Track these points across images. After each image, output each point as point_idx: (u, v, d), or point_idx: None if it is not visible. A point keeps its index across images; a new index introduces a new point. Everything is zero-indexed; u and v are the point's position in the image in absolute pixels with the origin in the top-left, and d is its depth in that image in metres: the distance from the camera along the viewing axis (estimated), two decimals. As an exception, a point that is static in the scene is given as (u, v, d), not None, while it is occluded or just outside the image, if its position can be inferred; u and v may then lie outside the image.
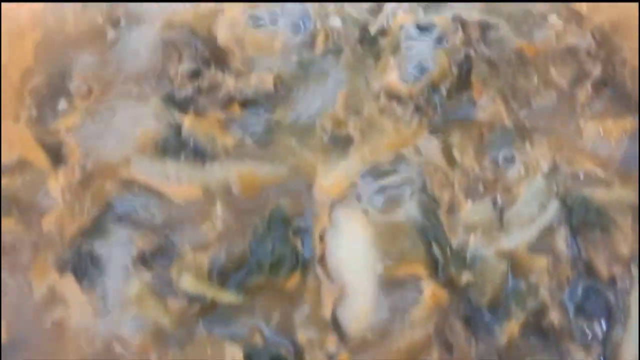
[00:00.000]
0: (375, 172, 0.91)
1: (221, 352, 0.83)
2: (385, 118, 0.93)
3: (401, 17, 0.98)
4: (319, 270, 0.88)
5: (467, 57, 0.97)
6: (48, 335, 0.87)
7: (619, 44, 0.99)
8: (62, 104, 1.02)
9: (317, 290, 0.87)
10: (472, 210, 0.89)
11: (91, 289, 0.88)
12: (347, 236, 0.89)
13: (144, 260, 0.89)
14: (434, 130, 0.94)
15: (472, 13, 1.00)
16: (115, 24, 1.05)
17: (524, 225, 0.88)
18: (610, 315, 0.84)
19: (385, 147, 0.92)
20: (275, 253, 0.88)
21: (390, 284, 0.86)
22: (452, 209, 0.89)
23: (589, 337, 0.82)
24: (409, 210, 0.89)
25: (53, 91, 1.03)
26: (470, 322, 0.84)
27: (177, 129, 0.96)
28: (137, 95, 0.99)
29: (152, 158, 0.95)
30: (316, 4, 1.00)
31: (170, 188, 0.94)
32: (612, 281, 0.85)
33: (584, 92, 0.96)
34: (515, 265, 0.86)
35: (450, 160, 0.92)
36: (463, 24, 0.98)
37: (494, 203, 0.89)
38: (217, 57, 0.98)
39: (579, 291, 0.85)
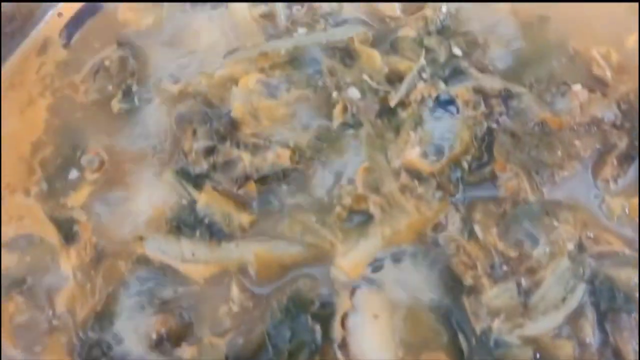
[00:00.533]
0: (397, 253, 0.90)
1: None
2: (407, 196, 0.91)
3: (421, 88, 0.95)
4: (340, 355, 0.86)
5: (489, 130, 0.95)
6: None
7: (645, 114, 0.97)
8: (73, 174, 1.00)
9: (338, 376, 0.87)
10: (496, 294, 0.86)
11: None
12: (369, 322, 0.87)
13: (159, 345, 0.88)
14: (455, 208, 0.91)
15: (494, 82, 0.97)
16: (127, 93, 1.03)
17: (549, 310, 0.85)
18: (640, 408, 0.82)
19: (407, 227, 0.90)
20: (294, 339, 0.86)
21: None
22: (476, 291, 0.87)
23: None
24: (432, 294, 0.87)
25: (64, 162, 1.01)
26: (496, 416, 0.83)
27: (192, 205, 0.94)
28: (150, 170, 0.97)
29: (167, 236, 0.93)
30: (331, 75, 0.98)
31: (185, 267, 0.92)
32: (642, 371, 0.83)
33: (609, 166, 0.93)
34: (541, 352, 0.84)
35: (473, 238, 0.90)
36: (485, 96, 0.96)
37: (519, 286, 0.87)
38: (232, 131, 0.95)
39: (607, 380, 0.84)
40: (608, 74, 1.00)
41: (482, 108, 0.95)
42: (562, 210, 0.92)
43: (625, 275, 0.87)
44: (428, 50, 1.02)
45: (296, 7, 1.07)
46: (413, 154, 0.92)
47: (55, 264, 0.94)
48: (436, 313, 0.87)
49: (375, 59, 1.00)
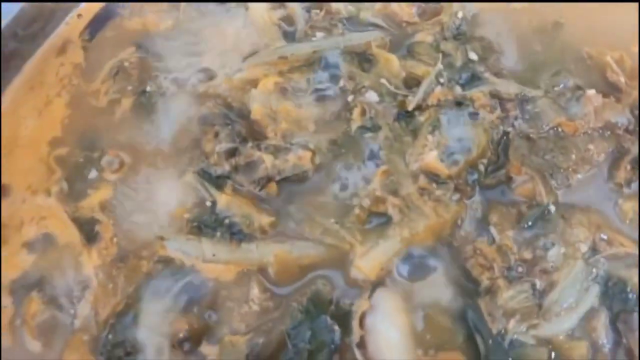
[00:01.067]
0: (415, 255, 0.91)
1: None
2: (424, 199, 0.93)
3: (438, 93, 0.97)
4: (358, 355, 0.87)
5: (505, 134, 0.96)
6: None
7: (658, 119, 0.99)
8: (93, 174, 1.01)
9: (357, 375, 0.88)
10: (512, 295, 0.88)
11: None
12: (387, 321, 0.88)
13: (181, 344, 0.89)
14: (472, 211, 0.93)
15: (510, 87, 0.99)
16: (146, 94, 1.04)
17: (564, 311, 0.87)
18: (652, 407, 0.84)
19: (425, 229, 0.92)
20: (313, 339, 0.87)
21: (431, 374, 0.87)
22: (492, 293, 0.89)
23: None
24: (450, 295, 0.89)
25: (83, 163, 1.02)
26: (512, 414, 0.84)
27: (213, 206, 0.95)
28: (171, 170, 0.99)
29: (187, 236, 0.94)
30: (349, 79, 0.99)
31: (205, 267, 0.93)
32: (654, 371, 0.85)
33: (623, 170, 0.95)
34: (555, 352, 0.86)
35: (489, 240, 0.92)
36: (500, 100, 0.97)
37: (534, 287, 0.89)
38: (253, 133, 0.97)
39: (620, 381, 0.86)
40: (622, 80, 1.02)
41: (498, 112, 0.97)
42: (576, 213, 0.94)
43: (637, 277, 0.90)
44: (444, 54, 1.03)
45: (314, 11, 1.08)
46: (431, 157, 0.93)
47: (76, 264, 0.95)
48: (453, 314, 0.89)
49: (393, 63, 1.02)
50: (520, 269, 0.91)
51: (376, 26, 1.07)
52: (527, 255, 0.91)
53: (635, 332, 0.87)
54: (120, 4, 1.11)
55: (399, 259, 0.91)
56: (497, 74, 1.02)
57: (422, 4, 1.11)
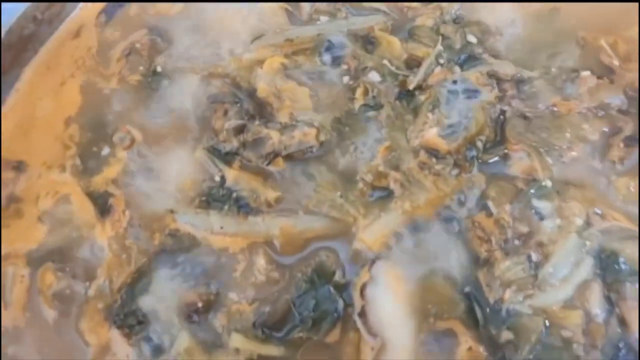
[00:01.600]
0: (416, 227, 0.95)
1: (266, 404, 0.88)
2: (425, 173, 0.96)
3: (438, 73, 1.01)
4: (359, 323, 0.91)
5: (502, 112, 1.00)
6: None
7: (651, 99, 1.02)
8: (105, 151, 1.05)
9: (357, 343, 0.90)
10: (508, 267, 0.91)
11: (139, 342, 0.91)
12: (386, 292, 0.92)
13: (192, 313, 0.93)
14: (471, 185, 0.97)
15: (507, 68, 1.02)
16: (157, 73, 1.08)
17: (558, 282, 0.90)
18: (642, 371, 0.87)
19: (425, 202, 0.95)
20: (317, 308, 0.91)
21: (429, 339, 0.89)
22: (489, 264, 0.92)
23: (622, 393, 0.87)
24: (448, 266, 0.93)
25: (96, 140, 1.06)
26: (507, 378, 0.88)
27: (221, 181, 0.99)
28: (181, 146, 1.03)
29: (197, 210, 0.98)
30: (353, 59, 1.03)
31: (214, 239, 0.97)
32: (645, 338, 0.89)
33: (616, 148, 0.98)
34: (550, 321, 0.89)
35: (487, 214, 0.95)
36: (498, 80, 1.01)
37: (529, 259, 0.92)
38: (261, 111, 1.01)
39: (612, 347, 0.88)
40: (615, 62, 1.05)
41: (496, 91, 1.00)
42: (571, 189, 0.97)
43: (630, 249, 0.92)
44: (444, 37, 1.07)
45: (319, -4, 1.13)
46: (431, 134, 0.97)
47: (90, 236, 0.99)
48: (451, 284, 0.92)
49: (395, 45, 1.06)
50: (516, 242, 0.94)
51: (378, 11, 1.11)
52: (524, 228, 0.95)
53: (628, 300, 0.90)
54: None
55: (400, 231, 0.95)
56: (495, 56, 1.06)
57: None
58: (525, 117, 1.00)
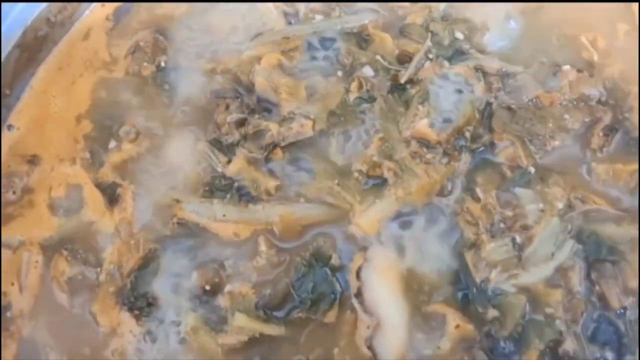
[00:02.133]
0: (408, 213, 1.00)
1: (268, 382, 0.93)
2: (416, 162, 1.02)
3: (428, 67, 1.07)
4: (356, 304, 0.97)
5: (489, 104, 1.06)
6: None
7: (627, 91, 1.08)
8: (112, 144, 1.11)
9: (354, 322, 0.96)
10: (494, 248, 0.97)
11: (147, 323, 0.97)
12: (381, 273, 0.98)
13: (197, 296, 0.98)
14: (460, 173, 1.03)
15: (492, 62, 1.08)
16: (161, 70, 1.14)
17: (541, 262, 0.97)
18: (621, 344, 0.93)
19: (417, 189, 1.01)
20: (315, 290, 0.97)
21: (421, 318, 0.95)
22: (476, 246, 0.98)
23: (601, 364, 0.92)
24: (438, 249, 0.98)
25: (104, 134, 1.12)
26: (492, 352, 0.93)
27: (223, 171, 1.05)
28: (185, 139, 1.08)
29: (200, 199, 1.04)
30: (348, 55, 1.10)
31: (217, 227, 1.03)
32: (623, 312, 0.94)
33: (596, 137, 1.05)
34: (533, 299, 0.95)
35: (475, 200, 1.01)
36: (484, 74, 1.07)
37: (514, 241, 0.98)
38: (261, 105, 1.07)
39: (593, 322, 0.94)
40: (595, 58, 1.13)
41: (482, 84, 1.06)
42: (553, 175, 1.03)
43: (609, 230, 0.99)
44: (433, 34, 1.14)
45: (314, -4, 1.20)
46: (421, 125, 1.03)
47: (101, 224, 1.04)
48: (441, 267, 0.98)
49: (387, 42, 1.12)
50: (502, 225, 1.00)
51: (370, 10, 1.17)
52: (509, 213, 1.01)
53: (608, 278, 0.96)
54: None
55: (394, 217, 1.01)
56: (481, 51, 1.12)
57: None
58: (510, 109, 1.07)
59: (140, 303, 0.98)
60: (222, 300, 0.98)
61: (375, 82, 1.07)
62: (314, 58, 1.12)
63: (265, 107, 1.08)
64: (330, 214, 1.02)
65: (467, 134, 1.04)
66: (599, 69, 1.10)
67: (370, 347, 0.94)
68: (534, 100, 1.07)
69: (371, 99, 1.07)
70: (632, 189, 1.02)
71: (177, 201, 1.04)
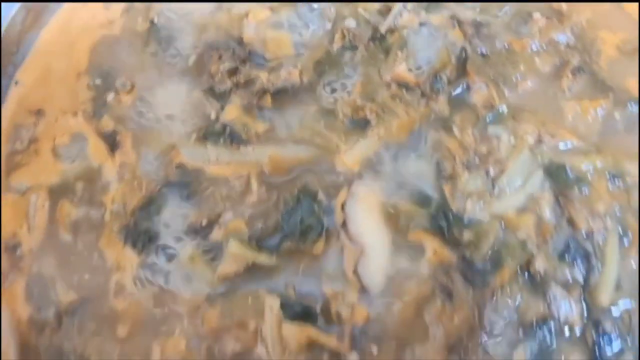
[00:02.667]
0: (390, 149, 1.07)
1: (261, 303, 0.99)
2: (397, 102, 1.10)
3: (406, 17, 1.15)
4: (342, 234, 1.03)
5: (464, 50, 1.14)
6: (112, 294, 1.03)
7: (594, 36, 1.15)
8: (110, 96, 1.17)
9: (340, 251, 1.03)
10: (469, 180, 1.04)
11: (148, 256, 1.03)
12: (364, 205, 1.04)
13: (195, 230, 1.05)
14: (437, 113, 1.10)
15: (467, 12, 1.16)
16: (155, 24, 1.21)
17: (513, 192, 1.04)
18: (589, 263, 1.00)
19: (398, 127, 1.09)
20: (303, 223, 1.03)
21: (402, 245, 1.02)
22: (453, 179, 1.05)
23: (570, 281, 0.98)
24: (418, 182, 1.05)
25: (103, 88, 1.19)
26: (468, 273, 1.00)
27: (217, 117, 1.12)
28: (180, 89, 1.15)
29: (195, 144, 1.11)
30: (332, 9, 1.17)
31: (211, 169, 1.10)
32: (590, 233, 1.01)
33: (565, 78, 1.12)
34: (506, 225, 1.02)
35: (451, 136, 1.08)
36: (459, 22, 1.14)
37: (487, 173, 1.05)
38: (251, 55, 1.14)
39: (561, 243, 1.01)
40: (563, 6, 1.20)
41: (457, 31, 1.14)
42: (525, 113, 1.11)
43: (576, 161, 1.06)
44: (411, -14, 1.22)
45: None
46: (401, 69, 1.11)
47: (104, 168, 1.10)
48: (420, 198, 1.05)
49: (369, -4, 1.20)
50: (477, 160, 1.07)
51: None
52: (483, 149, 1.08)
53: (575, 202, 1.02)
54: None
55: (376, 154, 1.07)
56: (456, 1, 1.19)
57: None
58: (483, 55, 1.14)
59: (142, 238, 1.05)
60: (217, 234, 1.04)
61: (357, 32, 1.15)
62: (300, 13, 1.20)
63: (254, 60, 1.15)
64: (317, 153, 1.09)
65: (444, 77, 1.12)
66: (567, 16, 1.17)
67: (355, 273, 1.01)
68: (506, 45, 1.15)
69: (353, 48, 1.14)
70: (598, 123, 1.10)
71: (174, 146, 1.11)
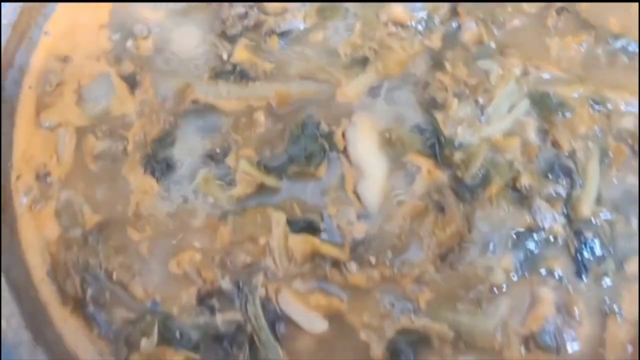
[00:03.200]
0: (387, 82, 1.16)
1: (268, 219, 1.08)
2: (393, 39, 1.19)
3: (401, -35, 1.25)
4: (343, 159, 1.13)
5: (455, -6, 1.23)
6: (133, 215, 1.13)
7: (577, -22, 1.24)
8: (129, 43, 1.27)
9: (342, 174, 1.12)
10: (459, 107, 1.13)
11: (165, 181, 1.13)
12: (362, 132, 1.13)
13: (208, 156, 1.15)
14: (431, 49, 1.19)
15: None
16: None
17: (500, 117, 1.12)
18: (571, 179, 1.08)
19: (395, 62, 1.18)
20: (307, 149, 1.13)
21: (398, 167, 1.11)
22: (445, 107, 1.14)
23: (554, 195, 1.07)
24: (413, 111, 1.14)
25: (123, 36, 1.28)
26: (459, 190, 1.08)
27: (228, 58, 1.22)
28: (194, 32, 1.25)
29: (208, 81, 1.21)
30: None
31: (222, 103, 1.19)
32: (573, 153, 1.09)
33: (550, 17, 1.20)
34: (494, 147, 1.10)
35: (443, 70, 1.17)
36: (450, -32, 1.24)
37: (477, 102, 1.14)
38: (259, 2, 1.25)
39: (546, 162, 1.09)
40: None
41: (448, -23, 1.23)
42: (512, 49, 1.19)
43: (560, 90, 1.15)
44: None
45: None
46: (397, 10, 1.20)
47: (125, 105, 1.20)
48: (414, 125, 1.14)
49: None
50: (467, 91, 1.16)
51: None
52: (473, 81, 1.16)
53: (558, 125, 1.11)
54: None
55: (375, 86, 1.17)
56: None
57: None
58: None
59: (161, 166, 1.15)
60: (229, 160, 1.14)
61: (356, -23, 1.25)
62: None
63: (263, 4, 1.25)
64: (320, 88, 1.18)
65: (437, 18, 1.21)
66: (553, -40, 1.26)
67: (355, 192, 1.10)
68: (495, -12, 1.24)
69: (353, -6, 1.25)
70: (581, 57, 1.18)
71: (189, 84, 1.21)
